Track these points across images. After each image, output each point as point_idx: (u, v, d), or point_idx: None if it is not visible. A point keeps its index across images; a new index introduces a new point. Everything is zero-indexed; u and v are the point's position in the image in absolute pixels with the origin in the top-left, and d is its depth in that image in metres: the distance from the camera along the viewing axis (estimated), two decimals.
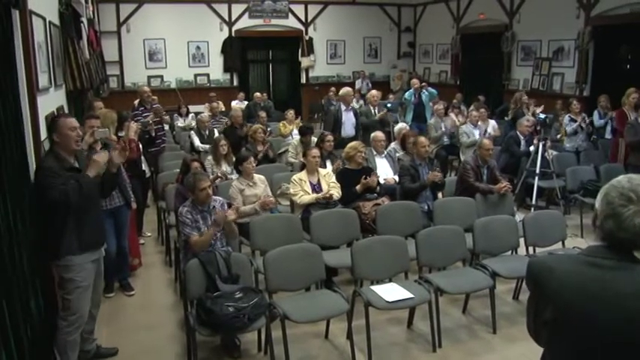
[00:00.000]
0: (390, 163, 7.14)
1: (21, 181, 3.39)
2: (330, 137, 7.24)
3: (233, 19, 15.43)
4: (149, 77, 14.66)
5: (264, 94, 13.40)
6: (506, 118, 10.29)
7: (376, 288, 4.48)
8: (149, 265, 6.35)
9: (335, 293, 4.42)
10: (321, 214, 5.49)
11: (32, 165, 3.81)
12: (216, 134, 8.84)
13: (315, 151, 6.10)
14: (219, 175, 6.63)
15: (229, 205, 4.88)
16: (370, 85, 15.14)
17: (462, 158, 8.45)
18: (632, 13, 10.16)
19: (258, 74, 16.78)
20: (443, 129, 9.51)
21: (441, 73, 16.32)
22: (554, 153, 8.34)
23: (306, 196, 5.81)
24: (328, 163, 6.94)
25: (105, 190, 4.15)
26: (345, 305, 4.24)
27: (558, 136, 9.02)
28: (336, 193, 5.90)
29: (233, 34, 15.45)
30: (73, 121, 3.83)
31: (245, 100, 13.73)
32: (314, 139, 7.76)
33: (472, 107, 10.50)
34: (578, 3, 11.31)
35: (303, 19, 16.21)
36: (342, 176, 6.15)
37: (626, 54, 11.26)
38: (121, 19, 14.35)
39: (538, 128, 8.43)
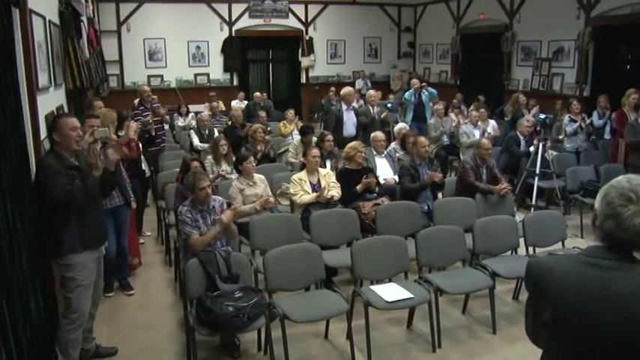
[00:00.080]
0: (390, 163, 7.14)
1: (21, 180, 3.39)
2: (330, 137, 7.24)
3: (233, 18, 15.43)
4: (149, 77, 14.66)
5: (264, 94, 13.41)
6: (505, 119, 10.30)
7: (376, 288, 4.48)
8: (149, 265, 6.35)
9: (335, 293, 4.42)
10: (320, 213, 5.49)
11: (32, 164, 3.81)
12: (216, 134, 8.84)
13: (315, 151, 6.10)
14: (220, 173, 6.63)
15: (229, 205, 4.87)
16: (370, 84, 15.14)
17: (462, 158, 8.45)
18: (632, 14, 10.16)
19: (258, 74, 16.78)
20: (443, 128, 9.50)
21: (441, 73, 16.31)
22: (554, 153, 8.34)
23: (306, 196, 5.81)
24: (328, 163, 6.94)
25: (105, 189, 4.15)
26: (344, 305, 4.24)
27: (560, 137, 9.01)
28: (336, 193, 5.90)
29: (233, 34, 15.45)
30: (74, 121, 3.84)
31: (245, 99, 13.73)
32: (315, 138, 7.76)
33: (472, 107, 10.49)
34: (578, 3, 11.31)
35: (303, 18, 16.21)
36: (342, 176, 6.14)
37: (626, 54, 11.26)
38: (121, 19, 14.35)
39: (538, 129, 8.43)
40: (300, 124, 9.85)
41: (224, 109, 12.18)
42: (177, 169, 6.30)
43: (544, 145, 7.43)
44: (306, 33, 16.29)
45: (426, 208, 6.01)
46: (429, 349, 4.51)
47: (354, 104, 9.18)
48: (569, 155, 8.56)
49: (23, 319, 3.16)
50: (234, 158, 6.59)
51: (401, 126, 8.51)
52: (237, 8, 15.42)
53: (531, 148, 7.82)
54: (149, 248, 6.93)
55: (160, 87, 14.41)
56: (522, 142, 8.21)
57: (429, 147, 6.76)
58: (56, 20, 5.78)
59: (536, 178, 7.31)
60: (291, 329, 4.25)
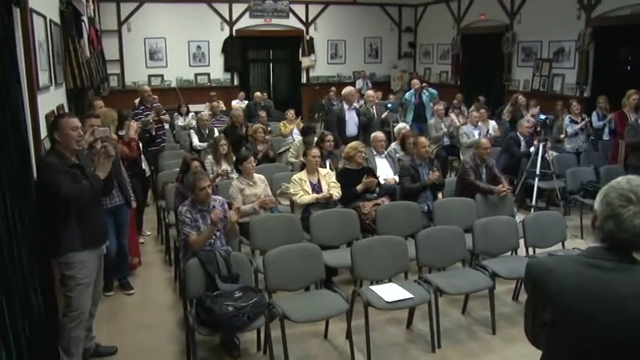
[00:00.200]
0: (390, 164, 7.14)
1: (21, 179, 3.39)
2: (330, 137, 7.24)
3: (234, 18, 15.43)
4: (149, 76, 14.67)
5: (265, 94, 13.41)
6: (504, 118, 10.29)
7: (376, 288, 4.48)
8: (149, 264, 6.35)
9: (334, 293, 4.42)
10: (320, 213, 5.49)
11: (33, 163, 3.81)
12: (216, 133, 8.85)
13: (316, 151, 6.10)
14: (220, 173, 6.63)
15: (229, 205, 4.88)
16: (370, 85, 15.14)
17: (462, 158, 8.45)
18: (632, 15, 10.16)
19: (259, 74, 16.78)
20: (444, 129, 9.51)
21: (441, 74, 16.31)
22: (555, 154, 8.34)
23: (306, 196, 5.81)
24: (328, 163, 6.94)
25: (105, 188, 4.16)
26: (344, 305, 4.24)
27: (562, 136, 9.01)
28: (336, 193, 5.90)
29: (234, 34, 15.46)
30: (75, 121, 3.85)
31: (245, 99, 13.73)
32: (315, 138, 7.76)
33: (472, 108, 10.49)
34: (578, 4, 11.31)
35: (303, 18, 16.21)
36: (342, 176, 6.14)
37: (627, 55, 11.26)
38: (122, 18, 14.35)
39: (538, 129, 8.43)
40: (301, 124, 9.85)
41: (224, 108, 12.18)
42: (178, 169, 6.30)
43: (544, 146, 7.43)
44: (307, 33, 16.30)
45: (426, 208, 6.02)
46: (428, 349, 4.51)
47: (355, 104, 9.19)
48: (570, 156, 8.56)
49: (23, 318, 3.16)
50: (234, 158, 6.59)
51: (401, 126, 8.51)
52: (238, 8, 15.42)
53: (531, 149, 7.82)
54: (149, 248, 6.93)
55: (161, 87, 14.41)
56: (522, 143, 8.21)
57: (429, 147, 6.76)
58: (57, 20, 5.78)
59: (537, 179, 7.32)
60: (291, 329, 4.26)
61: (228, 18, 15.37)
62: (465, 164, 6.49)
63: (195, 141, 9.07)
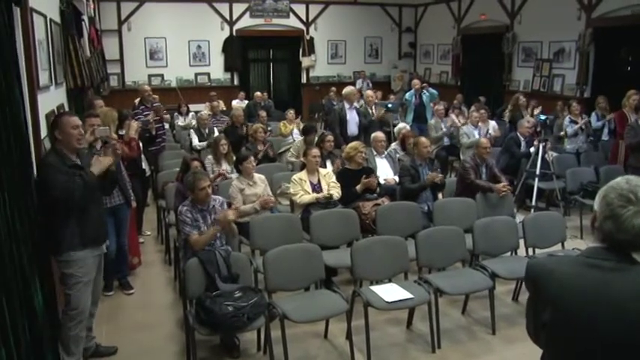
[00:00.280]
0: (391, 164, 7.14)
1: (21, 178, 3.39)
2: (330, 137, 7.24)
3: (234, 18, 15.43)
4: (150, 76, 14.66)
5: (265, 94, 13.41)
6: (504, 119, 10.29)
7: (376, 288, 4.48)
8: (149, 264, 6.35)
9: (334, 293, 4.42)
10: (321, 214, 5.49)
11: (33, 163, 3.81)
12: (216, 133, 8.85)
13: (316, 151, 6.10)
14: (221, 172, 6.63)
15: (229, 205, 4.87)
16: (370, 85, 15.14)
17: (462, 158, 8.45)
18: (632, 15, 10.16)
19: (259, 74, 16.78)
20: (444, 129, 9.51)
21: (441, 74, 16.31)
22: (554, 154, 8.34)
23: (306, 196, 5.81)
24: (328, 163, 6.94)
25: (106, 187, 4.17)
26: (344, 305, 4.24)
27: (561, 133, 9.00)
28: (336, 193, 5.90)
29: (234, 34, 15.46)
30: (76, 120, 3.85)
31: (245, 99, 13.73)
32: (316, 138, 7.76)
33: (473, 108, 10.49)
34: (579, 4, 11.31)
35: (304, 18, 16.21)
36: (342, 176, 6.14)
37: (627, 56, 11.25)
38: (122, 18, 14.35)
39: (538, 129, 8.43)
40: (301, 124, 9.86)
41: (225, 108, 12.18)
42: (178, 169, 6.30)
43: (544, 146, 7.43)
44: (307, 33, 16.30)
45: (426, 208, 6.01)
46: (428, 349, 4.51)
47: (356, 104, 9.19)
48: (570, 156, 8.56)
49: (23, 318, 3.16)
50: (234, 158, 6.59)
51: (401, 126, 8.51)
52: (238, 8, 15.42)
53: (531, 149, 7.82)
54: (149, 247, 6.93)
55: (161, 86, 14.41)
56: (523, 143, 8.21)
57: (430, 147, 6.76)
58: (57, 19, 5.79)
59: (537, 179, 7.32)
60: (291, 329, 4.26)
61: (228, 18, 15.37)
62: (465, 163, 6.50)
63: (195, 141, 9.08)
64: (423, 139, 6.63)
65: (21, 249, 3.22)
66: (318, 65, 16.62)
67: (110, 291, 5.55)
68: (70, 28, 6.30)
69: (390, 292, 4.39)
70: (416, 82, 10.90)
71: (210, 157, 7.05)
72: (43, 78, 4.58)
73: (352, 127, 8.73)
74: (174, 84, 14.91)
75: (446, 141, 9.57)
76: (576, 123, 8.72)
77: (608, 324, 1.70)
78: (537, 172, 7.31)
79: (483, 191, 6.18)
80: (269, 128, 9.23)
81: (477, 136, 8.69)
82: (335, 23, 16.47)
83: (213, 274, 4.20)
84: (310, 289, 4.70)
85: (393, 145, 7.91)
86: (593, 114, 9.15)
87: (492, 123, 9.48)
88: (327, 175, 6.08)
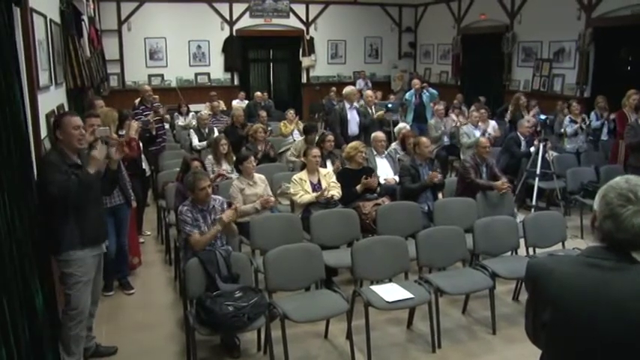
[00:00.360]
0: (391, 164, 7.14)
1: (21, 179, 3.39)
2: (330, 137, 7.24)
3: (234, 18, 15.42)
4: (150, 76, 14.66)
5: (265, 94, 13.42)
6: (505, 119, 10.30)
7: (376, 288, 4.48)
8: (149, 264, 6.35)
9: (335, 293, 4.42)
10: (321, 213, 5.49)
11: (33, 163, 3.81)
12: (216, 133, 8.85)
13: (316, 151, 6.10)
14: (221, 172, 6.63)
15: (229, 205, 4.88)
16: (370, 85, 15.14)
17: (462, 158, 8.45)
18: (632, 15, 10.16)
19: (259, 74, 16.78)
20: (444, 129, 9.51)
21: (441, 74, 16.31)
22: (555, 154, 8.34)
23: (306, 196, 5.81)
24: (328, 163, 6.94)
25: (106, 187, 4.17)
26: (344, 305, 4.24)
27: (562, 130, 9.00)
28: (337, 192, 5.90)
29: (234, 34, 15.45)
30: (78, 120, 3.86)
31: (246, 99, 13.73)
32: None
33: (473, 108, 10.49)
34: (579, 4, 11.31)
35: (304, 18, 16.21)
36: (343, 176, 6.14)
37: (627, 55, 11.25)
38: (122, 18, 14.34)
39: (538, 129, 8.43)
40: (301, 124, 9.86)
41: (225, 108, 12.18)
42: (178, 169, 6.30)
43: (544, 146, 7.43)
44: (307, 33, 16.29)
45: (427, 208, 6.01)
46: (428, 349, 4.51)
47: (356, 104, 9.20)
48: (570, 156, 8.56)
49: (23, 318, 3.16)
50: (234, 158, 6.59)
51: (401, 126, 8.51)
52: (238, 8, 15.41)
53: (532, 149, 7.82)
54: (149, 247, 6.93)
55: (161, 86, 14.40)
56: (523, 143, 8.21)
57: (430, 147, 6.76)
58: (57, 19, 5.79)
59: (537, 179, 7.31)
60: (291, 329, 4.26)
61: (228, 18, 15.37)
62: (466, 163, 6.51)
63: (195, 141, 9.07)
64: (424, 139, 6.63)
65: (21, 249, 3.22)
66: (318, 65, 16.61)
67: (110, 291, 5.55)
68: (70, 28, 6.30)
69: (391, 291, 4.39)
70: (416, 82, 10.90)
71: (210, 157, 7.05)
72: (43, 78, 4.58)
73: (353, 127, 8.74)
74: (174, 84, 14.91)
75: (446, 141, 9.58)
76: (576, 123, 8.73)
77: (608, 323, 1.70)
78: (538, 171, 7.31)
79: (484, 190, 6.18)
80: (269, 128, 9.23)
81: (477, 136, 8.69)
82: (335, 23, 16.46)
83: (213, 274, 4.20)
84: (311, 289, 4.71)
85: (394, 145, 7.91)
86: (593, 114, 9.15)
87: (492, 123, 9.48)
88: (328, 175, 6.08)
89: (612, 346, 1.70)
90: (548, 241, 5.38)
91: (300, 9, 16.09)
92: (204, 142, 8.86)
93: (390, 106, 9.75)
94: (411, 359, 4.44)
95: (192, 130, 9.45)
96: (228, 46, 15.41)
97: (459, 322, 5.01)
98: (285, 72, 17.02)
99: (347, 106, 8.83)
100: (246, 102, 13.23)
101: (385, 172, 6.98)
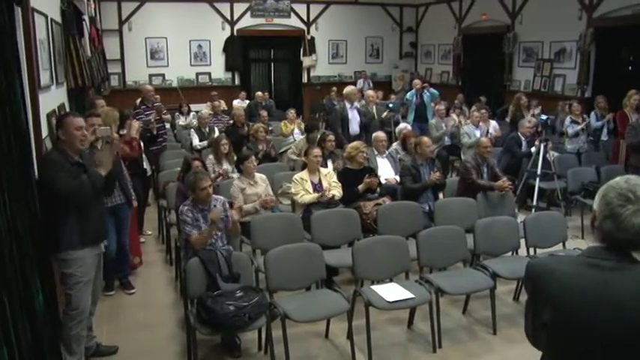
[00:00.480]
0: (392, 163, 7.14)
1: (21, 178, 3.39)
2: (331, 137, 7.24)
3: (235, 18, 15.42)
4: (150, 76, 14.66)
5: (266, 94, 13.44)
6: (507, 119, 10.30)
7: (377, 288, 4.48)
8: (150, 264, 6.36)
9: (335, 293, 4.42)
10: (322, 213, 5.49)
11: (34, 162, 3.81)
12: (217, 132, 8.85)
13: (317, 151, 6.11)
14: (221, 172, 6.63)
15: (230, 204, 4.88)
16: (371, 85, 15.14)
17: (463, 158, 8.45)
18: (633, 15, 10.15)
19: (260, 73, 16.77)
20: (445, 129, 9.51)
21: (442, 74, 16.30)
22: (556, 154, 8.34)
23: (307, 196, 5.81)
24: (329, 163, 6.94)
25: (107, 187, 4.17)
26: (345, 305, 4.25)
27: (564, 128, 8.99)
28: (338, 192, 5.90)
29: (235, 33, 15.44)
30: (80, 121, 3.87)
31: (246, 99, 13.74)
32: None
33: (473, 108, 10.50)
34: (580, 4, 11.30)
35: (305, 18, 16.20)
36: (344, 176, 6.14)
37: (628, 56, 11.25)
38: (123, 18, 14.34)
39: (539, 129, 8.43)
40: (302, 123, 9.86)
41: (226, 108, 12.18)
42: (179, 168, 6.30)
43: (545, 146, 7.43)
44: (308, 33, 16.28)
45: (427, 208, 6.01)
46: (429, 349, 4.51)
47: (356, 104, 9.20)
48: (571, 156, 8.56)
49: (24, 317, 3.16)
50: (235, 157, 6.59)
51: (402, 126, 8.51)
52: (239, 7, 15.40)
53: (532, 149, 7.82)
54: (150, 247, 6.94)
55: (162, 86, 14.39)
56: (524, 143, 8.21)
57: (432, 147, 6.76)
58: (58, 19, 5.79)
59: (538, 179, 7.31)
60: (292, 329, 4.26)
61: (229, 17, 15.36)
62: (467, 163, 6.50)
63: (196, 141, 9.07)
64: (425, 139, 6.62)
65: (21, 248, 3.23)
66: (319, 65, 16.60)
67: (111, 290, 5.55)
68: (71, 27, 6.30)
69: (391, 291, 4.39)
70: (417, 82, 10.90)
71: (211, 156, 7.06)
72: (44, 78, 4.58)
73: (354, 127, 8.74)
74: (175, 84, 14.91)
75: (447, 141, 9.58)
76: (577, 123, 8.73)
77: (608, 323, 1.70)
78: (538, 172, 7.31)
79: (485, 191, 6.18)
80: (270, 128, 9.24)
81: (478, 136, 8.69)
82: (336, 23, 16.45)
83: (214, 274, 4.20)
84: (311, 289, 4.71)
85: (394, 145, 7.91)
86: (593, 114, 9.14)
87: (493, 123, 9.49)
88: (329, 174, 6.08)
89: (612, 346, 1.70)
90: (548, 242, 5.38)
91: (301, 9, 16.08)
92: (205, 142, 8.87)
93: (391, 105, 9.75)
94: (411, 359, 4.45)
95: (192, 130, 9.45)
96: (229, 45, 15.40)
97: (459, 322, 5.01)
98: (286, 72, 17.01)
99: (347, 105, 8.84)
100: (247, 102, 13.24)
101: (386, 172, 6.98)
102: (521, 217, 5.87)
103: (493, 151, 7.09)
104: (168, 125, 9.44)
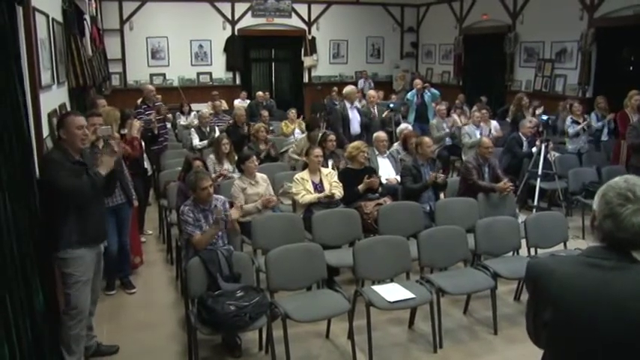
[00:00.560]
0: (392, 163, 7.14)
1: (22, 178, 3.39)
2: (332, 137, 7.23)
3: (236, 17, 15.41)
4: (151, 75, 14.66)
5: (267, 93, 13.44)
6: (507, 119, 10.30)
7: (378, 288, 4.48)
8: (150, 263, 6.36)
9: (336, 293, 4.42)
10: (323, 213, 5.49)
11: (35, 162, 3.82)
12: (217, 132, 8.85)
13: (318, 151, 6.11)
14: (222, 172, 6.63)
15: (231, 204, 4.88)
16: (372, 85, 15.14)
17: (464, 158, 8.44)
18: (635, 15, 10.14)
19: (261, 73, 16.76)
20: (445, 129, 9.51)
21: (443, 74, 16.29)
22: (557, 154, 8.33)
23: (308, 196, 5.81)
24: (330, 162, 6.94)
25: (108, 187, 4.18)
26: (346, 305, 4.25)
27: (566, 126, 8.97)
28: (338, 192, 5.89)
29: (236, 33, 15.44)
30: (81, 120, 3.88)
31: (247, 99, 13.74)
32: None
33: (474, 108, 10.50)
34: (581, 4, 11.29)
35: (306, 18, 16.20)
36: (345, 176, 6.14)
37: (629, 56, 11.24)
38: (124, 17, 14.34)
39: (540, 129, 8.43)
40: (303, 123, 9.86)
41: (227, 108, 12.18)
42: (179, 168, 6.30)
43: (546, 147, 7.42)
44: (309, 33, 16.27)
45: (428, 208, 6.01)
46: (430, 349, 4.51)
47: (357, 103, 9.20)
48: (572, 156, 8.55)
49: (24, 317, 3.17)
50: (236, 157, 6.59)
51: (403, 127, 8.50)
52: (240, 7, 15.40)
53: (533, 149, 7.82)
54: (151, 247, 6.94)
55: (163, 86, 14.39)
56: (525, 143, 8.21)
57: (433, 147, 6.76)
58: (59, 18, 5.79)
59: (538, 179, 7.31)
60: (293, 329, 4.26)
61: (230, 17, 15.36)
62: (468, 164, 6.49)
63: (196, 141, 9.06)
64: (426, 139, 6.62)
65: (22, 248, 3.23)
66: (320, 65, 16.60)
67: (112, 290, 5.56)
68: (72, 27, 6.31)
69: (392, 291, 4.39)
70: (418, 81, 10.89)
71: (212, 156, 7.06)
72: (45, 77, 4.58)
73: (355, 126, 8.74)
74: (176, 83, 14.90)
75: (448, 141, 9.57)
76: (578, 123, 8.72)
77: (609, 323, 1.70)
78: (539, 172, 7.31)
79: (485, 191, 6.18)
80: (271, 128, 9.23)
81: (478, 136, 8.69)
82: (337, 23, 16.45)
83: (215, 274, 4.20)
84: (312, 289, 4.71)
85: (395, 145, 7.90)
86: (593, 114, 9.13)
87: (494, 123, 9.48)
88: (329, 174, 6.08)
89: (613, 346, 1.70)
90: (549, 242, 5.38)
91: (302, 9, 16.07)
92: (205, 142, 8.87)
93: (392, 105, 9.75)
94: (412, 359, 4.44)
95: (193, 130, 9.44)
96: (230, 45, 15.40)
97: (460, 323, 5.01)
98: (287, 72, 17.00)
99: (347, 105, 8.84)
100: (248, 101, 13.24)
101: (387, 171, 6.98)
102: (522, 218, 5.87)
103: (495, 151, 7.09)
104: (169, 125, 9.44)
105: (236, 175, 6.44)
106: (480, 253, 5.19)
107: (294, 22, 16.09)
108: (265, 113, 10.17)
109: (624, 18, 10.39)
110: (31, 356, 3.22)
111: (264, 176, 6.08)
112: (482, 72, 14.66)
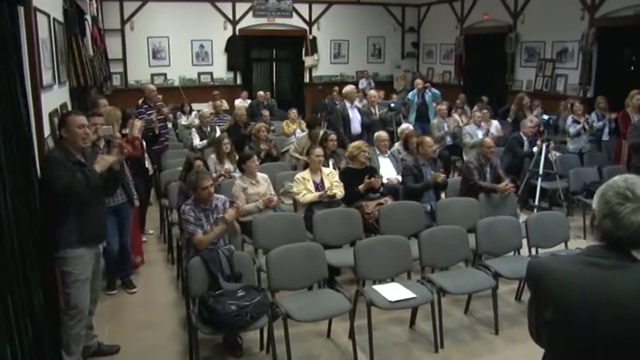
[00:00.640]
0: (394, 163, 7.14)
1: (23, 177, 3.40)
2: (333, 136, 7.24)
3: (237, 17, 15.41)
4: (152, 75, 14.66)
5: (268, 93, 13.44)
6: (508, 119, 10.29)
7: (379, 288, 4.48)
8: (151, 263, 6.36)
9: (337, 292, 4.42)
10: (324, 213, 5.49)
11: (36, 162, 3.82)
12: (218, 132, 8.85)
13: (319, 150, 6.11)
14: (223, 172, 6.63)
15: (232, 204, 4.88)
16: (373, 84, 15.14)
17: (466, 158, 8.44)
18: (635, 15, 10.13)
19: (262, 73, 16.75)
20: (446, 129, 9.51)
21: (444, 74, 16.28)
22: (558, 154, 8.33)
23: (309, 195, 5.81)
24: (331, 163, 6.94)
25: (109, 187, 4.18)
26: (347, 305, 4.25)
27: (566, 125, 8.97)
28: (339, 192, 5.89)
29: (237, 33, 15.44)
30: (82, 119, 3.88)
31: (248, 98, 13.74)
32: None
33: (475, 108, 10.49)
34: (582, 4, 11.28)
35: (307, 18, 16.20)
36: (346, 175, 6.14)
37: (630, 56, 11.24)
38: (125, 17, 14.34)
39: (541, 129, 8.43)
40: (303, 123, 9.86)
41: (228, 108, 12.18)
42: (180, 168, 6.31)
43: (547, 146, 7.42)
44: (310, 32, 16.27)
45: (429, 208, 6.01)
46: (431, 349, 4.51)
47: (357, 103, 9.20)
48: (573, 156, 8.55)
49: (25, 317, 3.17)
50: (237, 157, 6.59)
51: (404, 126, 8.50)
52: (241, 7, 15.40)
53: (534, 149, 7.82)
54: (152, 246, 6.94)
55: (164, 85, 14.39)
56: (526, 143, 8.21)
57: (434, 147, 6.76)
58: (60, 18, 5.79)
59: (539, 179, 7.31)
60: (294, 328, 4.26)
61: (231, 17, 15.36)
62: (469, 164, 6.49)
63: (196, 141, 9.06)
64: (427, 138, 6.62)
65: (23, 247, 3.23)
66: (321, 65, 16.59)
67: (113, 290, 5.56)
68: (73, 27, 6.31)
69: (393, 291, 4.39)
70: (418, 81, 10.89)
71: (213, 156, 7.06)
72: (47, 77, 4.58)
73: (355, 126, 8.75)
74: (177, 83, 14.90)
75: (449, 140, 9.57)
76: (579, 123, 8.72)
77: (608, 322, 1.70)
78: (540, 171, 7.31)
79: (487, 192, 6.18)
80: (272, 127, 9.23)
81: (479, 136, 8.70)
82: (338, 23, 16.44)
83: (216, 273, 4.20)
84: (313, 289, 4.71)
85: (396, 145, 7.90)
86: (593, 114, 9.12)
87: (495, 123, 9.48)
88: (330, 174, 6.08)
89: (612, 344, 1.71)
90: (550, 242, 5.38)
91: (302, 9, 16.07)
92: (205, 142, 8.87)
93: (392, 105, 9.75)
94: (413, 359, 4.45)
95: (193, 130, 9.43)
96: (231, 45, 15.40)
97: (461, 322, 5.01)
98: (288, 71, 17.00)
99: (347, 105, 8.84)
100: (249, 101, 13.24)
101: (388, 171, 6.98)
102: (523, 217, 5.87)
103: (496, 151, 7.09)
104: (170, 125, 9.44)
105: (237, 174, 6.44)
106: (480, 252, 5.19)
107: (295, 22, 16.08)
108: (266, 113, 10.17)
109: (625, 18, 10.38)
110: (32, 357, 3.22)
111: (265, 176, 6.08)
112: (483, 72, 14.65)
